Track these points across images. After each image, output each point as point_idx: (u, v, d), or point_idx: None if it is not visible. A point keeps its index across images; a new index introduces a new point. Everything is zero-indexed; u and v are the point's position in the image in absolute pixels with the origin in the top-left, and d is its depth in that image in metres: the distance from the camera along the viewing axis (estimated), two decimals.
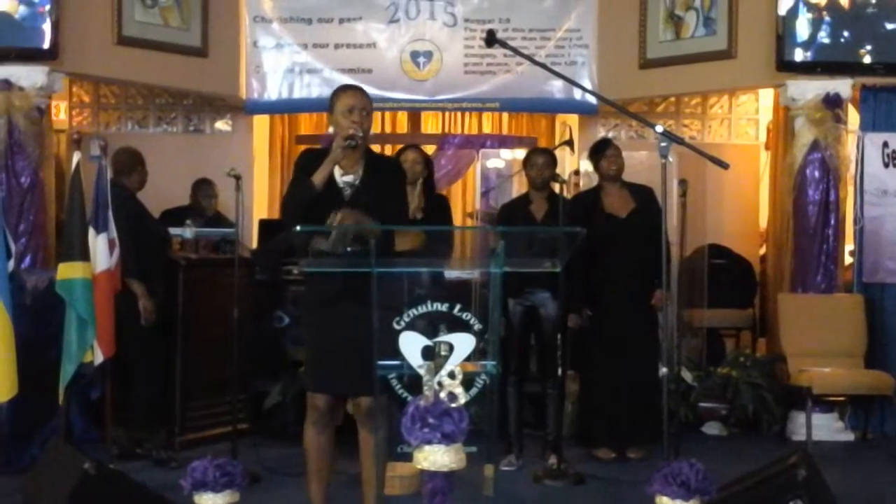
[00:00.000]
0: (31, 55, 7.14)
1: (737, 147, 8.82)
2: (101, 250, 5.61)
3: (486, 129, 9.54)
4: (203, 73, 8.17)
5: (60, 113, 8.55)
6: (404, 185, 4.72)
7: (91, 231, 5.58)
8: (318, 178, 4.19)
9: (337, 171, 4.26)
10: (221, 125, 8.90)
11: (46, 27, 7.12)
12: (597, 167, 6.58)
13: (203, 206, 7.65)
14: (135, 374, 6.19)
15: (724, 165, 4.16)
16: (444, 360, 3.47)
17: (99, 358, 5.54)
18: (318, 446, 4.30)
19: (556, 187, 6.20)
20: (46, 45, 7.14)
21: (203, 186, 7.75)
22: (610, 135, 8.82)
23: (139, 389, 6.23)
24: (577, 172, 8.30)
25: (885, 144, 7.42)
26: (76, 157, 5.72)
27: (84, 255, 5.52)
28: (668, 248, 4.40)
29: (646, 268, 6.06)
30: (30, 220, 7.15)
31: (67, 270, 5.50)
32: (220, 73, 8.31)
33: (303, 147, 9.39)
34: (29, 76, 7.11)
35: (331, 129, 4.35)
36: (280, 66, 8.48)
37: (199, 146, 8.71)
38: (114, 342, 5.64)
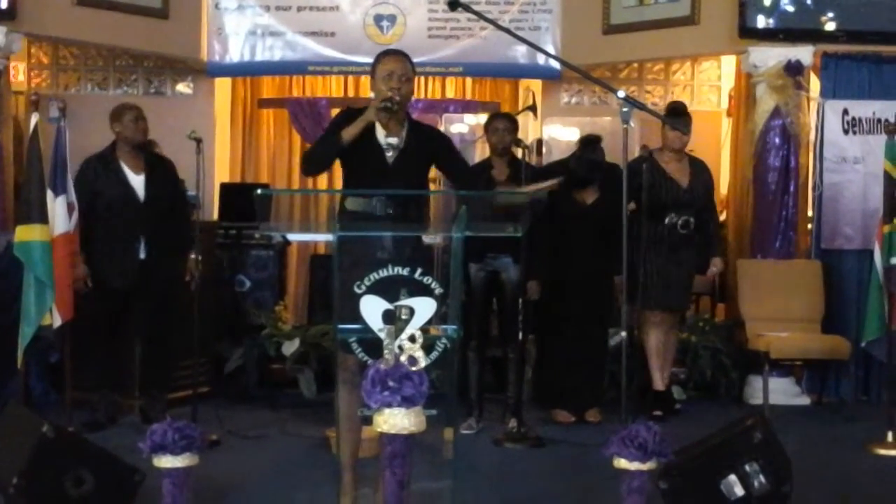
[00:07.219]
0: None
1: (699, 113, 8.78)
2: (60, 213, 5.58)
3: (450, 94, 9.48)
4: (164, 34, 8.07)
5: (19, 74, 8.43)
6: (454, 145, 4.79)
7: (49, 193, 5.54)
8: (348, 133, 4.18)
9: (380, 133, 4.23)
10: (182, 88, 8.81)
11: None
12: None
13: None
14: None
15: (685, 131, 4.18)
16: (405, 324, 3.48)
17: (57, 321, 5.52)
18: (349, 402, 4.14)
19: (519, 152, 6.19)
20: (5, 4, 7.03)
21: None
22: (573, 101, 8.83)
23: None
24: (539, 139, 8.30)
25: (846, 112, 7.46)
26: (34, 118, 5.66)
27: (42, 217, 5.48)
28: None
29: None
30: None
31: (25, 233, 5.47)
32: (182, 34, 8.21)
33: (265, 111, 9.43)
34: None
35: (371, 95, 4.33)
36: (242, 28, 8.39)
37: (159, 109, 8.55)
38: (72, 305, 5.61)
